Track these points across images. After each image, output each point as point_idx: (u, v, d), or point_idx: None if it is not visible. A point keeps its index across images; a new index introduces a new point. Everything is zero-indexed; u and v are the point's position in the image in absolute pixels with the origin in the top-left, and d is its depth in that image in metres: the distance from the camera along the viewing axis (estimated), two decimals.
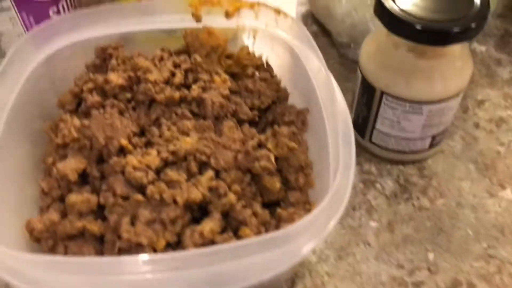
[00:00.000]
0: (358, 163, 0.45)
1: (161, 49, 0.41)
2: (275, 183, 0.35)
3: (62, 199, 0.35)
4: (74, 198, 0.33)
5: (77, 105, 0.40)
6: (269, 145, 0.36)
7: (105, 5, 0.41)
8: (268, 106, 0.40)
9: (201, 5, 0.41)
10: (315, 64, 0.37)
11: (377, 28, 0.42)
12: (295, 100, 0.41)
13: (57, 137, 0.37)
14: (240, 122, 0.38)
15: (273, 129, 0.37)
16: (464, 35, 0.36)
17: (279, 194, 0.36)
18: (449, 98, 0.40)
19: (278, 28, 0.41)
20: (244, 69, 0.42)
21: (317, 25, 0.58)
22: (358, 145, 0.43)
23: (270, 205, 0.36)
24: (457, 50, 0.39)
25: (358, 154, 0.33)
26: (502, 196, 0.43)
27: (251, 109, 0.39)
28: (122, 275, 0.27)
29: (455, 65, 0.39)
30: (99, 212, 0.34)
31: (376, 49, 0.41)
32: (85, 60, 0.42)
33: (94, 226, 0.32)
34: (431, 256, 0.39)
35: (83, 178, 0.35)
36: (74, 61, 0.42)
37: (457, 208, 0.42)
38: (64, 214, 0.34)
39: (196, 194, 0.31)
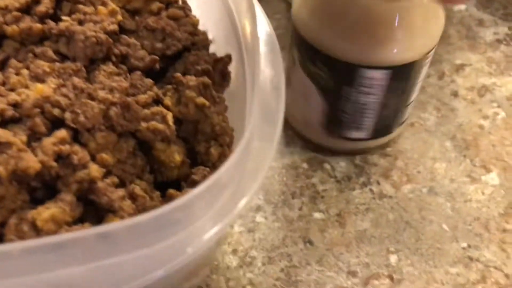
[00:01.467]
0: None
1: None
2: (173, 155, 0.25)
3: None
4: None
5: None
6: (168, 101, 0.25)
7: None
8: (177, 52, 0.29)
9: None
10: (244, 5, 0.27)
11: None
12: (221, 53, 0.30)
13: None
14: (132, 71, 0.28)
15: (176, 78, 0.26)
16: None
17: (180, 170, 0.25)
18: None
19: None
20: (147, 3, 0.31)
21: None
22: None
23: (168, 186, 0.25)
24: None
25: None
26: (486, 181, 0.33)
27: (151, 54, 0.29)
28: None
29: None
30: None
31: None
32: None
33: None
34: (393, 259, 0.29)
35: None
36: None
37: (429, 196, 0.32)
38: None
39: (31, 162, 0.20)
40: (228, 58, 0.28)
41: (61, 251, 0.18)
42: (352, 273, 0.28)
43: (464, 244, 0.30)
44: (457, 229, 0.31)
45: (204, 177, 0.25)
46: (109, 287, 0.19)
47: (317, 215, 0.31)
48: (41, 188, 0.21)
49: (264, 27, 0.27)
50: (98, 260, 0.18)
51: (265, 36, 0.26)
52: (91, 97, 0.23)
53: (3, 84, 0.24)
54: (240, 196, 0.22)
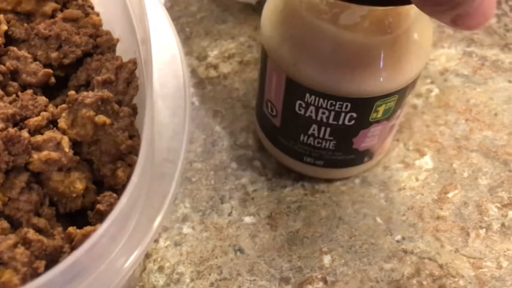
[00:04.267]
0: (231, 133, 0.33)
1: None
2: (75, 184, 0.22)
3: None
4: None
5: None
6: (62, 123, 0.23)
7: None
8: (78, 59, 0.27)
9: None
10: None
11: None
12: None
13: None
14: (25, 88, 0.25)
15: (70, 97, 0.23)
16: None
17: (85, 198, 0.23)
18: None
19: None
20: (40, 4, 0.27)
21: None
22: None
23: (74, 216, 0.23)
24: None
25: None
26: (421, 165, 0.33)
27: (47, 66, 0.26)
28: None
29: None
30: None
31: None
32: None
33: None
34: (327, 259, 0.28)
35: None
36: None
37: (362, 187, 0.31)
38: None
39: None
40: (132, 64, 0.26)
41: None
42: (285, 280, 0.27)
43: (399, 237, 0.29)
44: (391, 221, 0.30)
45: (111, 206, 0.23)
46: None
47: (247, 219, 0.29)
48: None
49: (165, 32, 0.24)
50: None
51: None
52: None
53: None
54: (152, 218, 0.21)
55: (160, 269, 0.27)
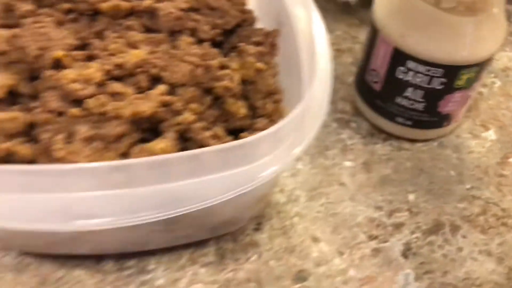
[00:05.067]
0: (333, 101, 0.41)
1: None
2: (239, 108, 0.30)
3: None
4: None
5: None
6: (234, 66, 0.31)
7: None
8: (231, 28, 0.35)
9: None
10: None
11: None
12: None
13: None
14: (199, 42, 0.33)
15: (239, 48, 0.32)
16: None
17: (243, 120, 0.31)
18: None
19: None
20: None
21: None
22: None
23: (234, 133, 0.31)
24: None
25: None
26: (486, 137, 0.40)
27: (213, 29, 0.34)
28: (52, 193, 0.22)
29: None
30: (31, 133, 0.28)
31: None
32: None
33: (23, 149, 0.27)
34: (411, 197, 0.36)
35: (13, 98, 0.30)
36: None
37: (439, 148, 0.39)
38: None
39: (146, 107, 0.26)
40: (276, 32, 0.34)
41: (168, 168, 0.23)
42: (379, 208, 0.35)
43: (468, 186, 0.37)
44: (462, 175, 0.37)
45: (265, 126, 0.31)
46: (202, 198, 0.25)
47: (347, 163, 0.37)
48: (147, 129, 0.27)
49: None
50: (190, 178, 0.24)
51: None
52: (181, 60, 0.29)
53: (103, 50, 0.30)
54: (297, 145, 0.28)
55: (281, 191, 0.35)
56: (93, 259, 0.31)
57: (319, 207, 0.35)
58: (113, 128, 0.26)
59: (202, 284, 0.31)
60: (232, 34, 0.36)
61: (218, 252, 0.32)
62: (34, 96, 0.29)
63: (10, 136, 0.28)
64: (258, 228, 0.33)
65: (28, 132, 0.28)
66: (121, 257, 0.31)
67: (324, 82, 0.29)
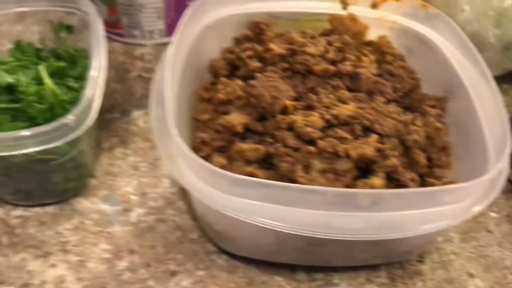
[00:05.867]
0: None
1: (302, 32, 0.44)
2: (422, 158, 0.37)
3: (220, 149, 0.38)
4: (242, 146, 0.36)
5: (230, 70, 0.43)
6: (419, 123, 0.38)
7: None
8: (405, 92, 0.43)
9: None
10: (465, 63, 0.40)
11: None
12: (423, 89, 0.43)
13: (207, 96, 0.40)
14: (388, 102, 0.41)
15: (423, 109, 0.39)
16: None
17: (423, 169, 0.38)
18: None
19: (418, 22, 0.44)
20: (383, 55, 0.44)
21: None
22: None
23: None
24: None
25: None
26: None
27: (394, 92, 0.42)
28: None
29: None
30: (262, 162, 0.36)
31: None
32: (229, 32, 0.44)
33: (260, 173, 0.35)
34: None
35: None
36: (218, 34, 0.45)
37: None
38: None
39: (369, 151, 0.34)
40: (447, 98, 0.42)
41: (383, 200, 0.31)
42: None
43: None
44: None
45: (442, 176, 0.37)
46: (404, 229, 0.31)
47: (492, 214, 0.43)
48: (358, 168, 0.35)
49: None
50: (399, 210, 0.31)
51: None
52: (387, 116, 0.36)
53: (318, 102, 0.38)
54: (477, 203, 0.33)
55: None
56: (288, 268, 0.38)
57: (471, 249, 0.41)
58: (343, 165, 0.33)
59: None
60: (404, 97, 0.43)
61: (389, 276, 0.39)
62: (263, 133, 0.38)
63: (249, 162, 0.36)
64: (421, 260, 0.39)
65: (263, 160, 0.36)
66: (310, 269, 0.38)
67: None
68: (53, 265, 0.37)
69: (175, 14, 0.54)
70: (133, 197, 0.42)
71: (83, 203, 0.41)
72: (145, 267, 0.38)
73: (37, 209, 0.40)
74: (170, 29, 0.55)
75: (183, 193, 0.42)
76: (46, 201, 0.40)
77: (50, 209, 0.40)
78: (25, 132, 0.33)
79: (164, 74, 0.35)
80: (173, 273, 0.37)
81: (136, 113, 0.48)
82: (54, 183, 0.39)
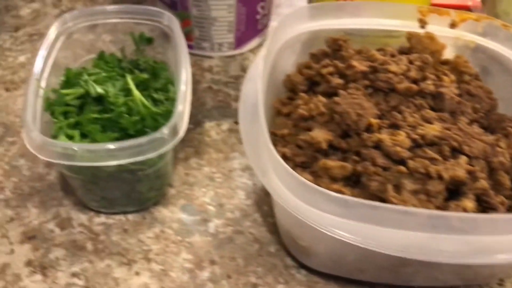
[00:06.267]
0: None
1: (381, 49, 0.44)
2: (507, 180, 0.37)
3: (302, 165, 0.38)
4: (329, 163, 0.36)
5: (308, 86, 0.43)
6: (502, 145, 0.38)
7: (338, 2, 0.45)
8: (484, 112, 0.43)
9: (429, 12, 0.45)
10: None
11: None
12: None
13: (285, 111, 0.41)
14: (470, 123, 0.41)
15: (506, 130, 0.39)
16: None
17: (507, 191, 0.38)
18: None
19: (498, 42, 0.44)
20: (460, 75, 0.44)
21: None
22: None
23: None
24: None
25: None
26: None
27: (474, 112, 0.42)
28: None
29: None
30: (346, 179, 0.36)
31: None
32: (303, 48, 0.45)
33: (347, 190, 0.35)
34: None
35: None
36: (292, 50, 0.46)
37: None
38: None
39: (461, 173, 0.34)
40: None
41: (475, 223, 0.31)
42: None
43: None
44: None
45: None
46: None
47: None
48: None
49: None
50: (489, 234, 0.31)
51: None
52: (474, 137, 0.36)
53: (402, 121, 0.38)
54: None
55: None
56: (368, 286, 0.38)
57: None
58: (435, 186, 0.33)
59: None
60: (485, 117, 0.43)
61: None
62: (346, 150, 0.38)
63: (335, 179, 0.36)
64: (501, 284, 0.39)
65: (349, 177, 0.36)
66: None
67: None
68: (137, 273, 0.38)
69: (245, 28, 0.55)
70: (210, 208, 0.43)
71: (162, 212, 0.42)
72: (227, 278, 0.38)
73: (119, 217, 0.41)
74: (238, 42, 0.56)
75: (259, 206, 0.43)
76: (127, 209, 0.41)
77: (131, 217, 0.41)
78: (123, 144, 0.34)
79: (258, 89, 0.36)
80: (254, 286, 0.38)
81: (208, 124, 0.49)
82: (138, 192, 0.40)
